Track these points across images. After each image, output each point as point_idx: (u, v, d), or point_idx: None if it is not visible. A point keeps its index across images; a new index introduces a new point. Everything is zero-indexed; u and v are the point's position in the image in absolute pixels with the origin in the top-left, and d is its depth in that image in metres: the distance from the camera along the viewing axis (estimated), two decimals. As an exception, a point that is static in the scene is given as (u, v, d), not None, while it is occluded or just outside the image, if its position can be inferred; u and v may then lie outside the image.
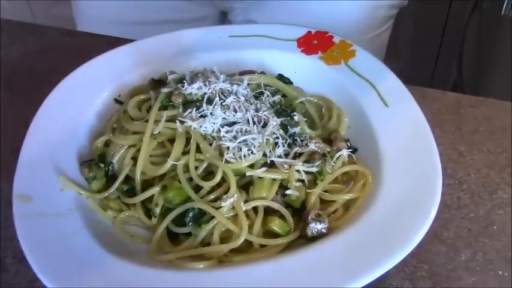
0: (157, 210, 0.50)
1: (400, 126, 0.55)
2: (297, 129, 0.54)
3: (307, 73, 0.62)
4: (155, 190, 0.50)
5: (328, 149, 0.53)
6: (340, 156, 0.53)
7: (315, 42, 0.66)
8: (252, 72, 0.60)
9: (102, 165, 0.53)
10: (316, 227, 0.47)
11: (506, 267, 0.51)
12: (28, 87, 0.70)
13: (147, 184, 0.52)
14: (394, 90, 0.59)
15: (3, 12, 1.19)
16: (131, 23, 0.82)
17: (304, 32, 0.67)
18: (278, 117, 0.54)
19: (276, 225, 0.48)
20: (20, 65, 0.74)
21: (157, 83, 0.59)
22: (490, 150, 0.62)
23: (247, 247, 0.48)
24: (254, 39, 0.66)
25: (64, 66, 0.63)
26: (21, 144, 0.54)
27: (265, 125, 0.53)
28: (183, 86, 0.54)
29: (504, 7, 1.13)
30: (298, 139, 0.54)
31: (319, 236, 0.48)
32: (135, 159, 0.52)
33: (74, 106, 0.58)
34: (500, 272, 0.51)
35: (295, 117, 0.55)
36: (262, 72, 0.61)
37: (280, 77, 0.61)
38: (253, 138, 0.51)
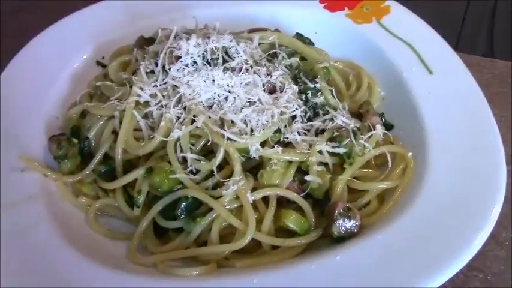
0: (141, 198, 0.40)
1: (449, 99, 0.46)
2: (319, 100, 0.44)
3: (331, 33, 0.53)
4: (139, 173, 0.40)
5: (358, 125, 0.43)
6: (373, 134, 0.42)
7: (341, -4, 0.55)
8: (264, 29, 0.50)
9: (75, 140, 0.44)
10: (344, 224, 0.38)
11: None
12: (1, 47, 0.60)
13: (130, 165, 0.42)
14: (440, 54, 0.50)
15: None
16: None
17: (328, -15, 0.56)
18: (296, 84, 0.44)
19: (291, 220, 0.39)
20: None
21: (147, 41, 0.49)
22: None
23: (254, 248, 0.39)
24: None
25: (40, 25, 0.53)
26: None
27: (280, 92, 0.43)
28: (176, 43, 0.43)
29: None
30: (321, 112, 0.44)
31: (348, 236, 0.38)
32: (115, 133, 0.42)
33: (44, 69, 0.48)
34: None
35: (317, 85, 0.44)
36: (277, 30, 0.50)
37: (299, 37, 0.51)
38: (265, 109, 0.40)
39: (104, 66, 0.51)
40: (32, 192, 0.40)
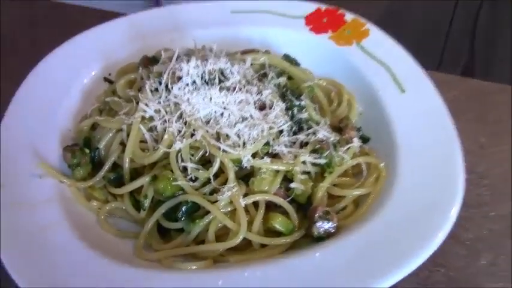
0: (147, 202, 0.45)
1: (417, 115, 0.50)
2: (303, 115, 0.49)
3: (315, 54, 0.57)
4: (145, 180, 0.45)
5: (338, 138, 0.48)
6: (350, 146, 0.48)
7: (325, 20, 0.61)
8: (255, 51, 0.55)
9: (87, 150, 0.48)
10: (323, 225, 0.43)
11: None
12: (11, 63, 0.64)
13: (136, 173, 0.47)
14: (411, 74, 0.54)
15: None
16: None
17: (313, 9, 0.62)
18: (283, 101, 0.49)
19: (278, 222, 0.43)
20: (2, 39, 0.68)
21: (150, 60, 0.54)
22: None
23: (246, 246, 0.44)
24: (258, 15, 0.61)
25: (49, 41, 0.58)
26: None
27: (269, 109, 0.48)
28: (177, 65, 0.48)
29: None
30: (305, 126, 0.49)
31: (326, 236, 0.43)
32: (123, 144, 0.47)
33: (57, 85, 0.53)
34: None
35: (302, 102, 0.50)
36: (267, 51, 0.55)
37: (287, 58, 0.56)
38: (256, 124, 0.46)
39: (110, 82, 0.55)
40: (50, 195, 0.45)
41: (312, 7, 0.62)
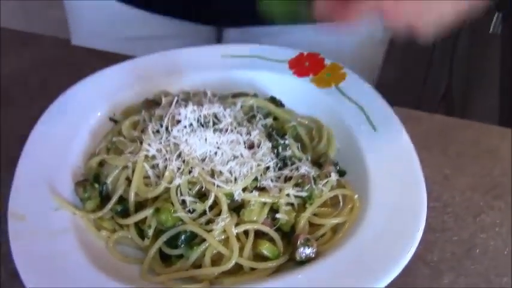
0: (150, 232, 0.51)
1: (387, 151, 0.57)
2: (287, 153, 0.56)
3: (298, 95, 0.64)
4: (148, 212, 0.51)
5: (318, 173, 0.55)
6: (328, 180, 0.54)
7: (307, 64, 0.67)
8: (245, 94, 0.62)
9: (96, 185, 0.54)
10: (304, 251, 0.49)
11: None
12: (21, 101, 0.70)
13: (140, 205, 0.53)
14: (383, 114, 0.61)
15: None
16: (125, 38, 0.83)
17: (296, 54, 0.69)
18: (270, 141, 0.56)
19: (265, 249, 0.50)
20: (14, 78, 0.74)
21: (151, 102, 0.60)
22: (475, 174, 0.64)
23: (237, 269, 0.49)
24: (247, 59, 0.68)
25: (59, 79, 0.64)
26: (15, 158, 0.55)
27: (257, 148, 0.54)
28: (176, 110, 0.55)
29: (492, 24, 1.15)
30: (289, 162, 0.55)
31: (307, 260, 0.49)
32: (129, 180, 0.53)
33: (68, 125, 0.59)
34: None
35: (286, 141, 0.56)
36: (255, 95, 0.62)
37: (272, 100, 0.62)
38: (246, 162, 0.52)
39: (115, 121, 0.62)
40: (65, 226, 0.50)
41: (295, 52, 0.69)
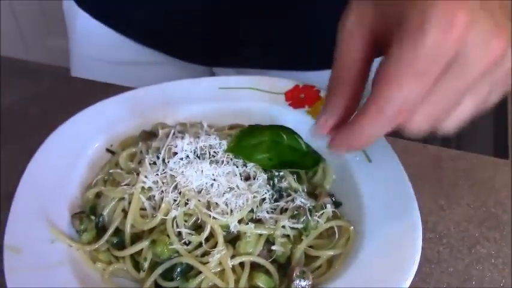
0: (146, 264, 0.51)
1: (382, 182, 0.57)
2: (283, 184, 0.56)
3: (294, 127, 0.63)
4: (144, 244, 0.51)
5: (314, 204, 0.55)
6: (324, 212, 0.54)
7: (302, 96, 0.68)
8: (240, 126, 0.62)
9: (92, 217, 0.54)
10: (300, 283, 0.49)
11: None
12: (21, 132, 0.71)
13: (136, 236, 0.53)
14: (377, 146, 0.61)
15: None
16: (125, 63, 0.85)
17: (292, 86, 0.69)
18: (265, 172, 0.56)
19: (261, 281, 0.50)
20: (13, 110, 0.75)
21: (149, 134, 0.61)
22: (470, 204, 0.64)
23: (233, 302, 0.49)
24: (243, 91, 0.69)
25: (57, 111, 0.65)
26: (14, 190, 0.55)
27: (253, 179, 0.55)
28: (173, 142, 0.55)
29: None
30: (285, 194, 0.56)
31: (303, 293, 0.49)
32: (125, 211, 0.53)
33: (65, 157, 0.59)
34: None
35: (281, 172, 0.57)
36: (250, 126, 0.62)
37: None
38: (241, 194, 0.52)
39: (112, 152, 0.63)
40: (61, 258, 0.51)
41: (291, 84, 0.70)
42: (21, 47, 2.03)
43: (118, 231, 0.53)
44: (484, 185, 0.66)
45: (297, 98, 0.68)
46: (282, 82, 0.70)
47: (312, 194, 0.58)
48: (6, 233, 0.51)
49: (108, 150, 0.63)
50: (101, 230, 0.54)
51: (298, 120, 0.66)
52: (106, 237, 0.53)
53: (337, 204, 0.58)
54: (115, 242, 0.53)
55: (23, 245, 0.50)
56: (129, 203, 0.53)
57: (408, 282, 0.48)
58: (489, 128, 0.87)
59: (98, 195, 0.57)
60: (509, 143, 0.70)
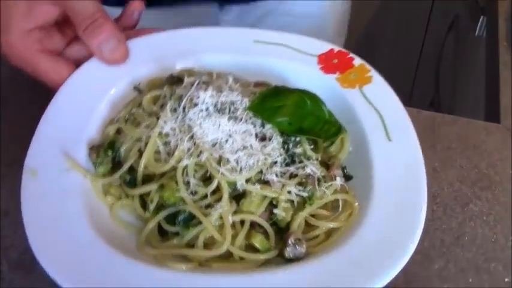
0: (152, 206, 0.53)
1: (397, 164, 0.57)
2: (298, 150, 0.56)
3: (320, 92, 0.63)
4: (153, 187, 0.53)
5: (324, 174, 0.55)
6: (332, 184, 0.55)
7: (335, 61, 0.67)
8: (267, 84, 0.62)
9: (110, 152, 0.56)
10: (293, 250, 0.50)
11: (476, 275, 0.56)
12: (25, 100, 0.71)
13: (148, 178, 0.55)
14: (400, 125, 0.60)
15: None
16: None
17: (327, 49, 0.68)
18: (281, 136, 0.56)
19: (257, 241, 0.51)
20: (16, 78, 0.73)
21: (175, 79, 0.62)
22: (462, 166, 0.66)
23: (228, 256, 0.51)
24: (276, 48, 0.68)
25: None
26: (15, 157, 0.56)
27: (268, 141, 0.56)
28: (196, 92, 0.56)
29: (478, 28, 1.22)
30: (297, 160, 0.56)
31: (295, 259, 0.51)
32: (141, 152, 0.55)
33: (89, 93, 0.60)
34: (470, 280, 0.55)
35: (298, 138, 0.57)
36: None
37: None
38: (254, 154, 0.53)
39: (139, 91, 0.64)
40: (74, 187, 0.53)
41: (326, 47, 0.69)
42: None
43: (131, 170, 0.55)
44: (477, 148, 0.68)
45: (329, 63, 0.67)
46: (318, 44, 0.69)
47: (325, 164, 0.58)
48: (28, 156, 0.54)
49: (135, 88, 0.64)
50: (116, 165, 0.56)
51: (326, 86, 0.65)
52: (120, 173, 0.55)
53: (347, 177, 0.58)
54: (127, 179, 0.55)
55: (41, 170, 0.53)
56: (146, 145, 0.55)
57: (402, 265, 0.49)
58: (481, 93, 0.89)
59: (118, 131, 0.59)
60: (501, 109, 0.73)
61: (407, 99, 0.64)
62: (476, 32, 1.21)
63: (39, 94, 0.59)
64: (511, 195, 0.63)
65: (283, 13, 0.94)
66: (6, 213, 0.56)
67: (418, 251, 0.54)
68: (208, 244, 0.52)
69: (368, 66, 0.67)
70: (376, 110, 0.62)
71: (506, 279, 0.55)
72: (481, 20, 1.20)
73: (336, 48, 0.69)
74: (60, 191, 0.52)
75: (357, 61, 0.67)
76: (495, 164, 0.66)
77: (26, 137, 0.55)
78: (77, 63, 0.63)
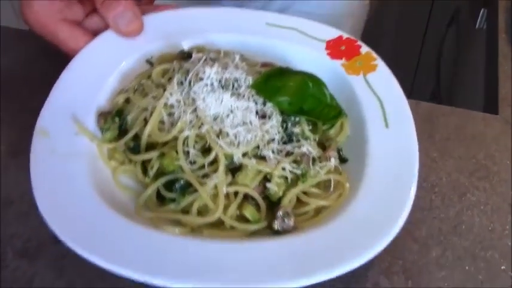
0: (152, 172, 0.56)
1: (392, 150, 0.58)
2: (296, 130, 0.59)
3: (325, 77, 0.65)
4: (155, 154, 0.56)
5: (319, 155, 0.58)
6: (326, 164, 0.57)
7: (343, 48, 0.69)
8: (273, 65, 0.64)
9: (117, 119, 0.59)
10: (281, 223, 0.53)
11: (473, 263, 0.57)
12: (23, 93, 0.72)
13: (151, 146, 0.58)
14: (399, 113, 0.62)
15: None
16: None
17: (336, 35, 0.70)
18: (281, 115, 0.58)
19: (248, 212, 0.54)
20: (14, 72, 0.75)
21: (185, 55, 0.64)
22: (461, 156, 0.67)
23: (219, 224, 0.54)
24: (286, 31, 0.70)
25: (58, 71, 0.63)
26: (15, 148, 0.60)
27: (268, 119, 0.58)
28: (202, 68, 0.58)
29: (478, 20, 1.22)
30: (295, 139, 0.58)
31: (283, 232, 0.53)
32: (146, 121, 0.58)
33: (102, 63, 0.63)
34: (467, 268, 0.56)
35: (298, 118, 0.59)
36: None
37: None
38: (252, 130, 0.56)
39: (151, 64, 0.67)
40: (81, 150, 0.56)
41: (335, 33, 0.70)
42: (11, 16, 1.90)
43: (136, 137, 0.58)
44: (475, 139, 0.69)
45: (337, 49, 0.69)
46: (327, 30, 0.71)
47: (322, 145, 0.60)
48: (40, 117, 0.57)
49: (147, 61, 0.67)
50: (122, 132, 0.59)
51: (331, 71, 0.67)
52: (125, 139, 0.58)
53: (343, 160, 0.60)
54: (132, 146, 0.58)
55: (51, 131, 0.56)
56: (151, 114, 0.57)
57: (385, 243, 0.50)
58: (480, 84, 0.89)
59: (127, 101, 0.61)
60: (499, 99, 0.73)
61: (409, 92, 0.65)
62: (477, 25, 1.22)
63: (40, 85, 0.61)
64: (509, 185, 0.64)
65: (296, 11, 0.95)
66: (11, 202, 0.58)
67: (416, 239, 0.58)
68: (202, 212, 0.54)
69: (374, 55, 0.68)
70: (377, 97, 0.64)
71: (502, 267, 0.56)
72: (481, 12, 1.20)
73: (345, 35, 0.70)
74: (68, 152, 0.55)
75: (364, 49, 0.69)
76: (493, 155, 0.67)
77: (28, 127, 0.57)
78: (95, 34, 0.66)
